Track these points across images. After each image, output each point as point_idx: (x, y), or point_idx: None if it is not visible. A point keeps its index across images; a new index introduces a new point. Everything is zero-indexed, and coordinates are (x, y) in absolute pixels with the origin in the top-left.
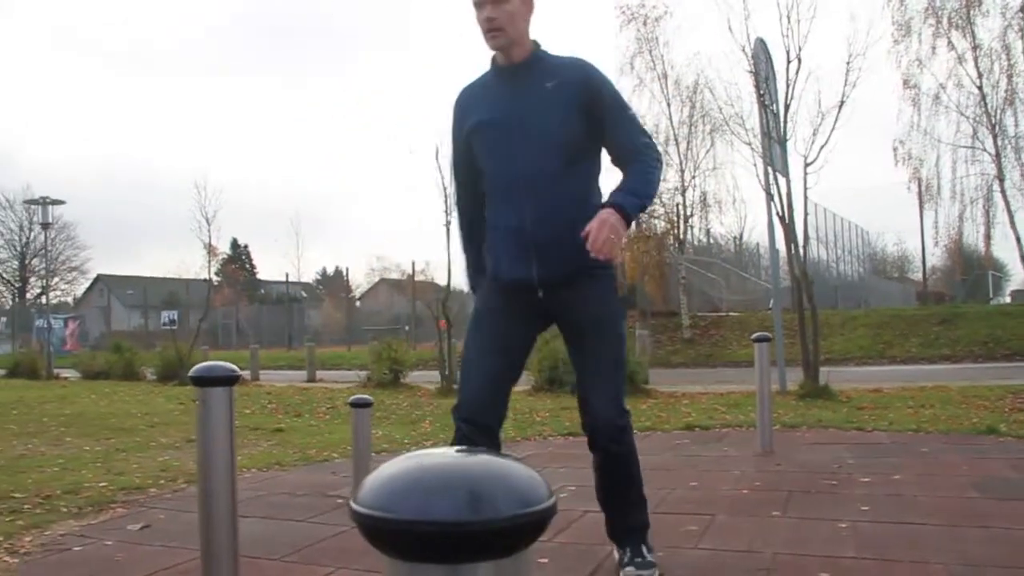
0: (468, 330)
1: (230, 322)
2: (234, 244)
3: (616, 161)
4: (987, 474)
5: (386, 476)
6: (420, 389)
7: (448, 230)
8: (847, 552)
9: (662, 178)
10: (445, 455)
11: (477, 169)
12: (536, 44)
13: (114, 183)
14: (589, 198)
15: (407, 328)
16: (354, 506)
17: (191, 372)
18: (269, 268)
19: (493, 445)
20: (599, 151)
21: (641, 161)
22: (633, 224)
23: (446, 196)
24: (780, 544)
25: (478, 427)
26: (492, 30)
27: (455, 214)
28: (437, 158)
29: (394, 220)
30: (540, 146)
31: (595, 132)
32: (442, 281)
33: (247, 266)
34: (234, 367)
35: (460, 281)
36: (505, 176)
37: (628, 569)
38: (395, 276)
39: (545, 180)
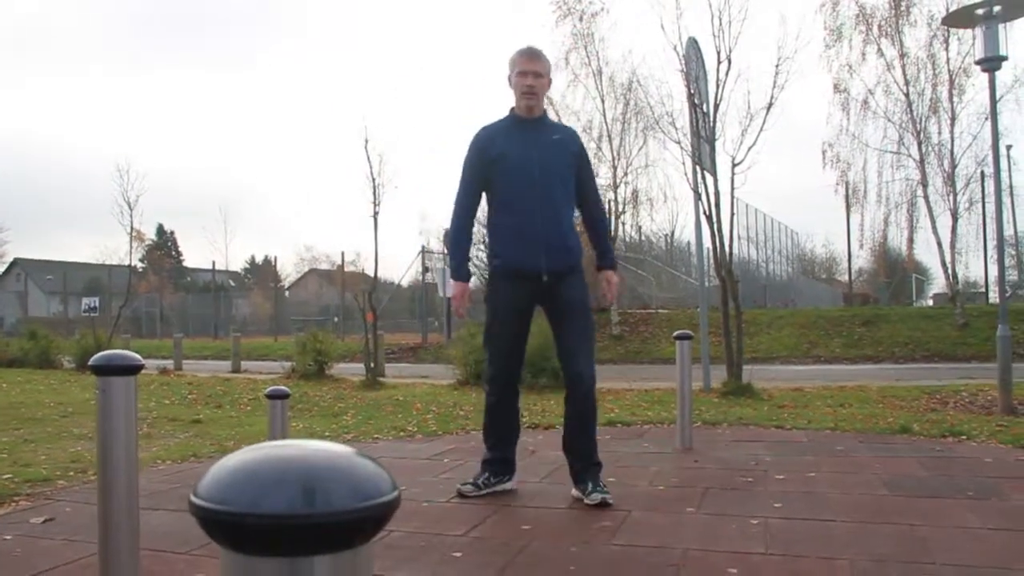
0: (489, 312)
1: (154, 310)
2: (160, 230)
3: (580, 207)
4: (898, 472)
5: (226, 468)
6: (345, 381)
7: (376, 221)
8: (756, 548)
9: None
10: (290, 447)
11: (484, 189)
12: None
13: (27, 165)
14: (572, 215)
15: (336, 319)
16: (191, 498)
17: (91, 361)
18: (196, 256)
19: (516, 399)
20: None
21: (604, 221)
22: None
23: (375, 187)
24: (692, 540)
25: (510, 392)
26: (528, 94)
27: (453, 218)
28: (366, 148)
29: (324, 210)
30: (550, 178)
31: (575, 178)
32: (372, 273)
33: (173, 253)
34: (137, 356)
35: (388, 273)
36: (523, 196)
37: (594, 495)
38: (325, 266)
39: (552, 202)
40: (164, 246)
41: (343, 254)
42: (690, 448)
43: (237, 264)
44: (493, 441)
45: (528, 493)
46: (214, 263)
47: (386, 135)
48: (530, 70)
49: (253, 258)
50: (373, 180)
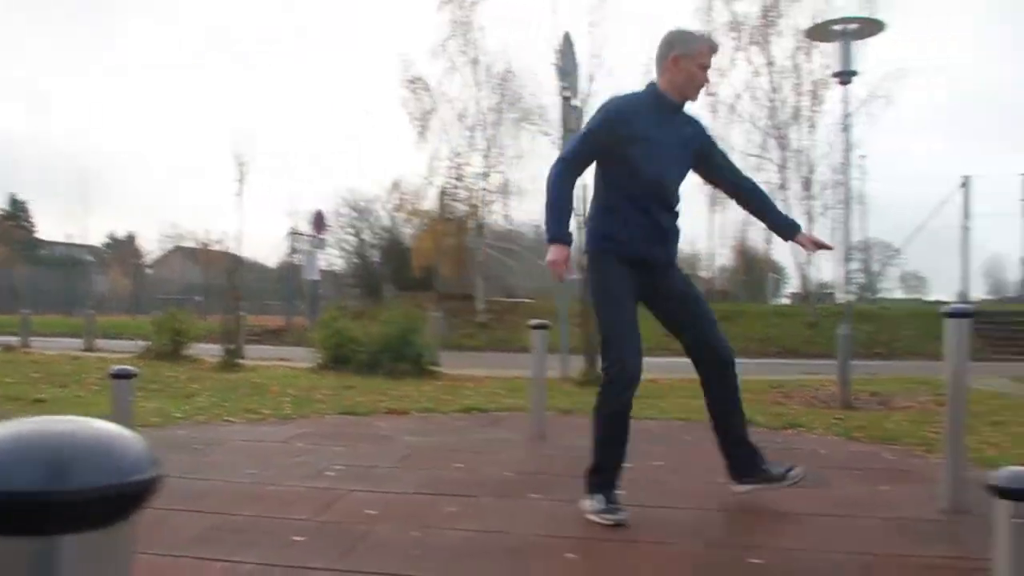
0: (609, 303)
1: (4, 284)
2: (13, 201)
3: (723, 185)
4: None
5: None
6: (203, 362)
7: (240, 201)
8: (597, 534)
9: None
10: (47, 422)
11: (603, 161)
12: None
13: None
14: None
15: (199, 299)
16: None
17: None
18: (54, 229)
19: None
20: None
21: (757, 186)
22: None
23: (240, 166)
24: (536, 526)
25: (633, 395)
26: (703, 87)
27: (558, 179)
28: (231, 129)
29: (191, 187)
30: (680, 168)
31: (709, 162)
32: (237, 252)
33: (25, 224)
34: None
35: (256, 254)
36: (652, 180)
37: (794, 472)
38: (191, 244)
39: (674, 190)
40: (16, 217)
41: (207, 232)
42: (543, 436)
43: (98, 239)
44: (619, 454)
45: (379, 478)
46: (70, 236)
47: (253, 115)
48: (710, 66)
49: (115, 233)
50: (238, 160)
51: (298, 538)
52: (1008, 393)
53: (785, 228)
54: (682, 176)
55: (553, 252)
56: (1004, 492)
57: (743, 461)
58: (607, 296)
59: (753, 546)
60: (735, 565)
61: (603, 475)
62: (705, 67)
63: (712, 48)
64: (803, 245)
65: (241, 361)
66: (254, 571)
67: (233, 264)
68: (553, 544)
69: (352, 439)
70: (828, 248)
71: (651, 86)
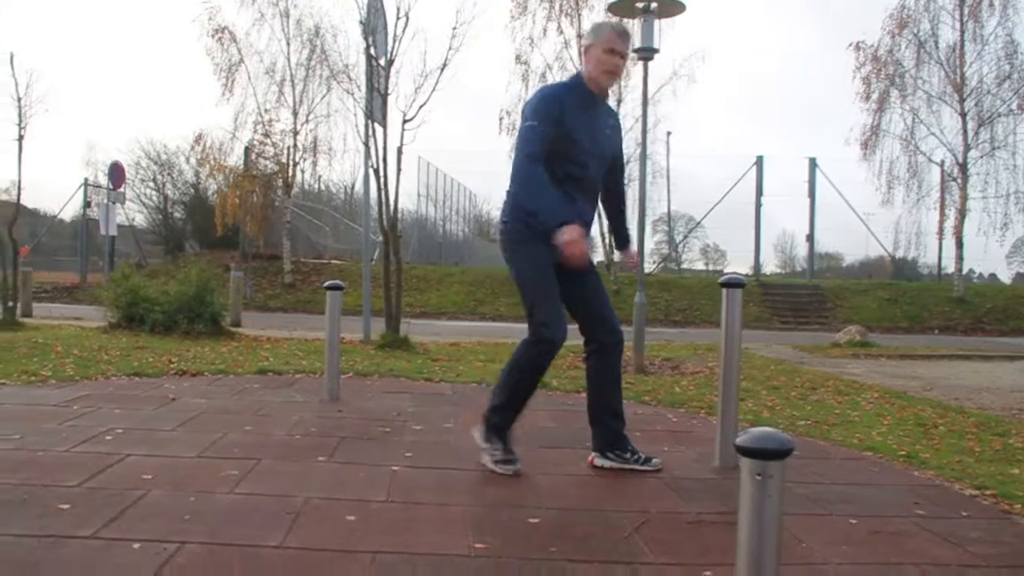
0: (536, 272)
1: None
2: None
3: (608, 188)
4: (530, 425)
5: None
6: None
7: (20, 145)
8: (378, 496)
9: None
10: None
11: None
12: None
13: None
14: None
15: None
16: None
17: None
18: None
19: None
20: None
21: (625, 195)
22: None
23: (20, 107)
24: (316, 489)
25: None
26: (613, 74)
27: (536, 166)
28: (12, 64)
29: None
30: (601, 166)
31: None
32: (21, 202)
33: None
34: None
35: (49, 205)
36: (580, 175)
37: (655, 461)
38: None
39: (599, 184)
40: None
41: None
42: (337, 398)
43: None
44: (522, 405)
45: (159, 441)
46: None
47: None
48: (620, 51)
49: None
50: (19, 101)
51: (63, 506)
52: (787, 360)
53: (623, 238)
54: (604, 170)
55: (569, 231)
56: (747, 451)
57: (611, 435)
58: (534, 266)
59: (532, 506)
60: (513, 524)
61: (503, 417)
62: (613, 51)
63: (617, 31)
64: (626, 257)
65: (26, 320)
66: (5, 544)
67: (12, 214)
68: (334, 506)
69: (136, 402)
70: (633, 265)
71: (576, 76)
